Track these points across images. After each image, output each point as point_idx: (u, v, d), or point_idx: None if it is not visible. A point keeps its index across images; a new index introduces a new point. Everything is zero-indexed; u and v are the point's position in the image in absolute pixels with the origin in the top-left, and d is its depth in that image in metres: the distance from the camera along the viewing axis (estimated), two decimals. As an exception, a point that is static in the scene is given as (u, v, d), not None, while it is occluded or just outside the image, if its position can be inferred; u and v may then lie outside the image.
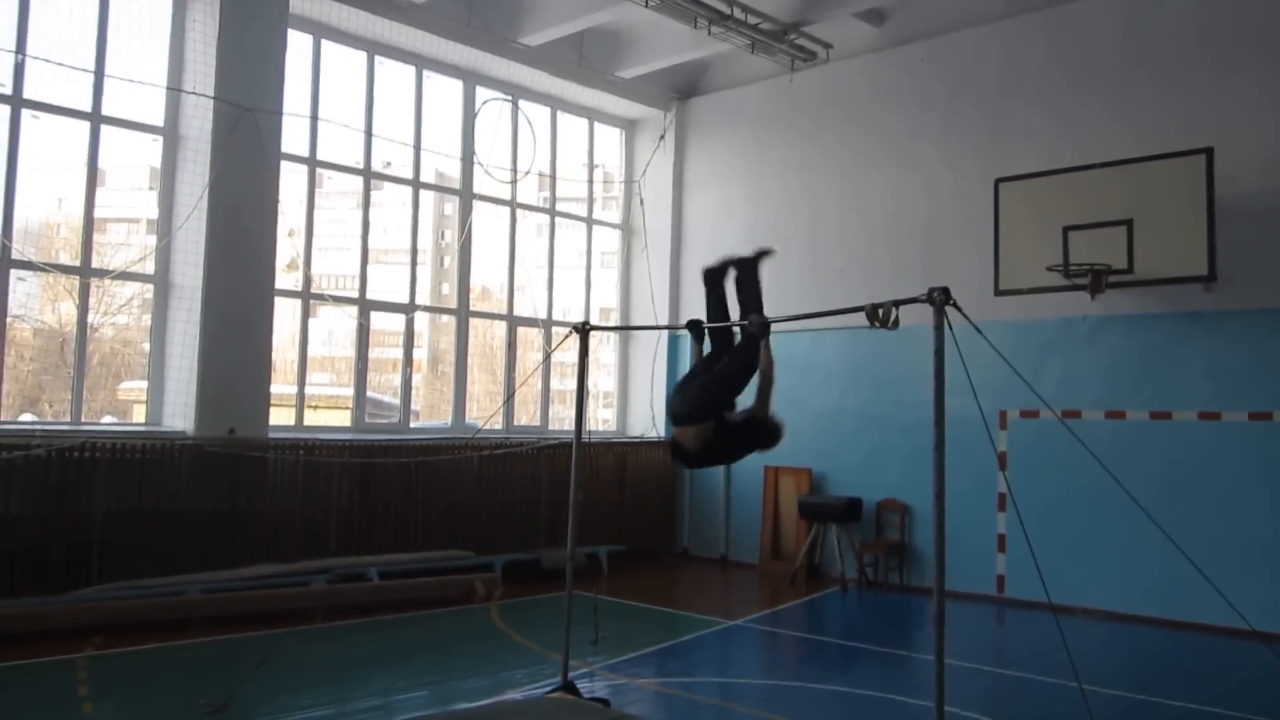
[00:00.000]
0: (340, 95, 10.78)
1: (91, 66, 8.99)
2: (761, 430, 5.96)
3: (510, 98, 12.39)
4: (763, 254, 6.23)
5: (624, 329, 13.71)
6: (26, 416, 9.04)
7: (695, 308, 12.69)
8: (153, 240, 9.48)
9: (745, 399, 6.02)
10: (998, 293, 9.89)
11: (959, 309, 4.54)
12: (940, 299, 4.50)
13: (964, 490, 9.70)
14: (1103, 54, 10.07)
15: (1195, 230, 8.84)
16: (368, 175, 11.00)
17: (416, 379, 11.84)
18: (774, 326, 5.89)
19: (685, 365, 13.21)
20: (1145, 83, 9.79)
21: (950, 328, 4.52)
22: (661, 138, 13.53)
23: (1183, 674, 7.69)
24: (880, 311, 4.77)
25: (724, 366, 5.98)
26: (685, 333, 6.43)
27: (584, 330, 6.63)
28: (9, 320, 8.71)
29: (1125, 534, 9.21)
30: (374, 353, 11.20)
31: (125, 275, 9.34)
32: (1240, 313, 9.10)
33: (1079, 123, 10.12)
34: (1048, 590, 5.65)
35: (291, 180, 10.23)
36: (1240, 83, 9.24)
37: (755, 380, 5.85)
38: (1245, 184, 9.02)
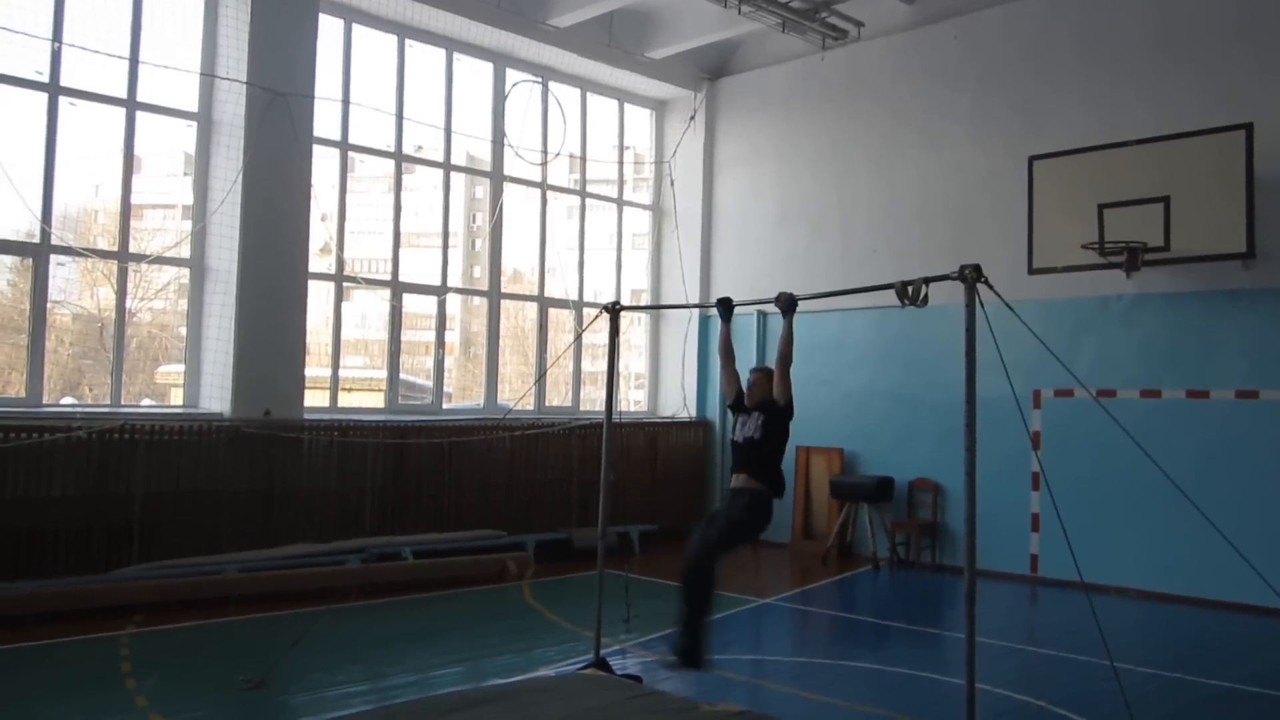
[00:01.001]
0: (371, 79, 10.84)
1: (126, 53, 9.09)
2: (784, 415, 5.96)
3: (540, 79, 12.40)
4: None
5: (654, 308, 13.71)
6: (67, 400, 9.19)
7: (726, 288, 12.75)
8: (188, 225, 9.59)
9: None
10: (1031, 271, 9.82)
11: (990, 286, 4.52)
12: (972, 276, 4.48)
13: (997, 470, 9.65)
14: (1137, 30, 9.93)
15: (1233, 207, 8.72)
16: (399, 159, 11.06)
17: (449, 361, 11.92)
18: (807, 306, 5.89)
19: (716, 346, 13.23)
20: (1180, 59, 9.64)
21: (982, 306, 4.50)
22: (692, 118, 13.48)
23: (1219, 652, 7.64)
24: (910, 289, 4.76)
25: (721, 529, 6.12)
26: (715, 313, 6.43)
27: (614, 310, 6.66)
28: (49, 305, 8.85)
29: (1160, 513, 9.14)
30: (407, 335, 11.28)
31: (161, 260, 9.46)
32: (1279, 290, 8.97)
33: (1113, 100, 9.99)
34: (1079, 569, 5.62)
35: (324, 164, 10.31)
36: (1278, 58, 9.07)
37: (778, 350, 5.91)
38: (1285, 159, 8.88)
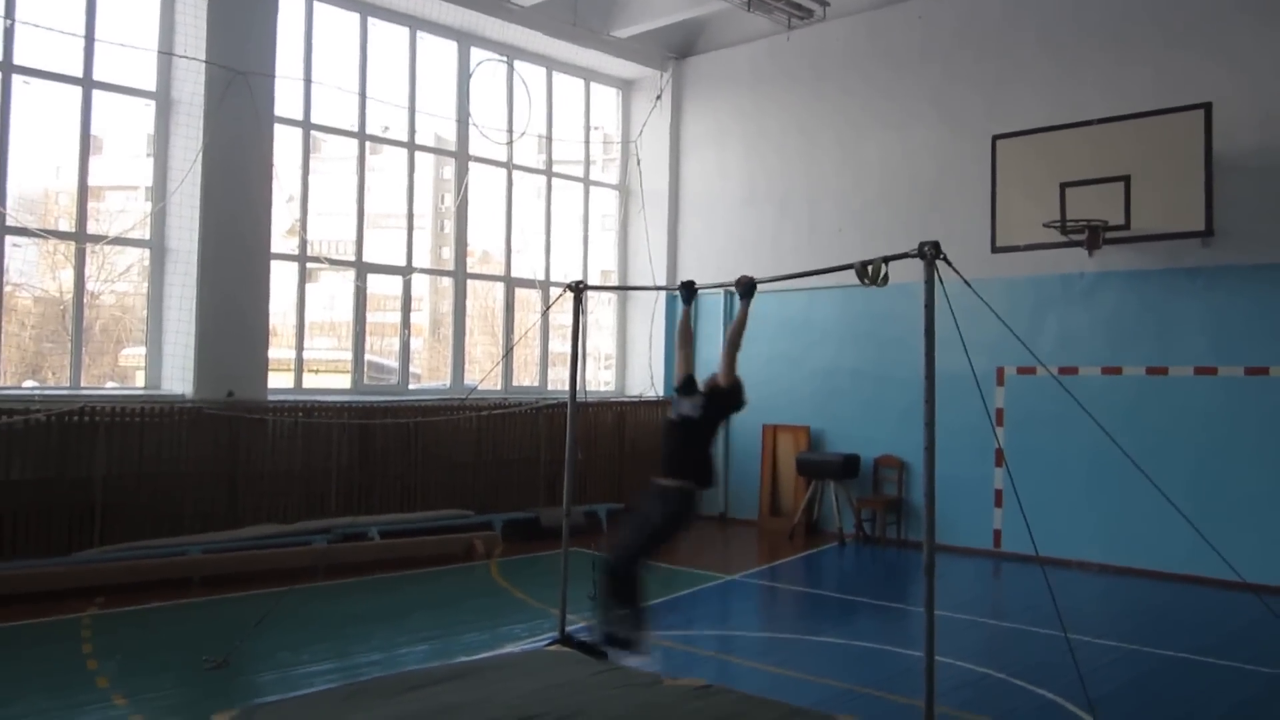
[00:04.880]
0: (334, 58, 10.73)
1: (82, 30, 8.94)
2: (727, 400, 5.98)
3: (505, 59, 12.32)
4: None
5: (619, 289, 13.71)
6: (29, 383, 9.08)
7: (693, 268, 12.78)
8: (149, 207, 9.48)
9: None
10: (995, 250, 9.89)
11: (949, 263, 4.55)
12: (931, 253, 4.51)
13: (961, 446, 9.75)
14: (1102, 10, 9.99)
15: (1193, 186, 8.81)
16: (363, 139, 10.97)
17: (418, 343, 11.88)
18: (773, 285, 5.89)
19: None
20: (1142, 39, 9.72)
21: (942, 283, 4.54)
22: (658, 98, 13.45)
23: (1175, 624, 7.78)
24: (870, 268, 4.78)
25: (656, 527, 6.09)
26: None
27: (578, 289, 6.66)
28: (8, 289, 8.73)
29: (1120, 489, 9.25)
30: (375, 317, 11.22)
31: (120, 241, 9.35)
32: (1237, 268, 9.10)
33: (1075, 80, 10.06)
34: (1036, 544, 5.71)
35: (287, 145, 10.20)
36: (1239, 39, 9.18)
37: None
38: (1243, 140, 8.99)
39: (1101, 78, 9.90)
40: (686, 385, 6.15)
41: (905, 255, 4.65)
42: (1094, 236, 9.25)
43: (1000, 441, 9.97)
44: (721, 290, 12.08)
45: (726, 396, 5.97)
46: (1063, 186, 9.41)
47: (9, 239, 8.65)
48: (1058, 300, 10.10)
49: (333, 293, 11.29)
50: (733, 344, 5.90)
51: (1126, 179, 9.14)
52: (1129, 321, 9.72)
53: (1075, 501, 9.76)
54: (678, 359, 6.37)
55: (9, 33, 8.55)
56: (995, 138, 10.01)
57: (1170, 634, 7.35)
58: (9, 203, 8.60)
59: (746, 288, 5.80)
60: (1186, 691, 6.07)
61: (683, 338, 6.37)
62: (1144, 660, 6.65)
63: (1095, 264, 9.74)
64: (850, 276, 4.90)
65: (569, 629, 6.45)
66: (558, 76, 12.97)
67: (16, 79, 8.64)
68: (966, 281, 4.84)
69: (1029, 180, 9.71)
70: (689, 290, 6.32)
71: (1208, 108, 8.77)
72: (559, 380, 12.87)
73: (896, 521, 11.16)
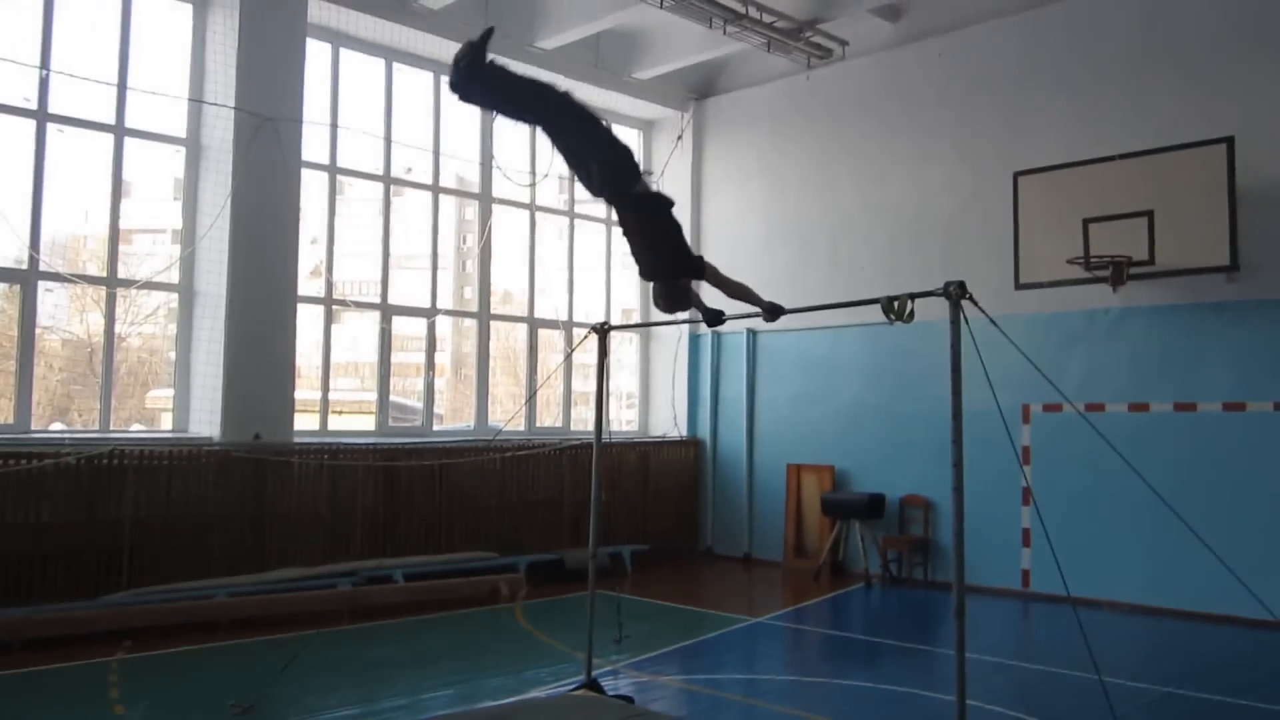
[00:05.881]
0: (359, 102, 10.88)
1: (114, 79, 9.12)
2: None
3: (528, 101, 12.42)
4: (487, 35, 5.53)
5: (642, 326, 13.74)
6: (56, 426, 9.17)
7: (715, 305, 12.76)
8: (177, 250, 9.60)
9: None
10: (1018, 286, 9.87)
11: (975, 302, 4.55)
12: (956, 293, 4.52)
13: (988, 485, 9.69)
14: (1122, 45, 10.02)
15: (1217, 220, 8.78)
16: (388, 181, 11.09)
17: (440, 383, 11.93)
18: (798, 324, 5.82)
19: (706, 365, 13.32)
20: (1165, 73, 9.73)
21: (967, 322, 4.53)
22: (679, 138, 13.56)
23: (1210, 666, 7.65)
24: (895, 304, 4.79)
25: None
26: (706, 331, 6.39)
27: (603, 330, 6.68)
28: (39, 331, 8.84)
29: (1151, 527, 9.15)
30: (398, 358, 11.29)
31: (150, 285, 9.47)
32: (1264, 302, 9.03)
33: (1098, 115, 10.07)
34: (1067, 584, 5.64)
35: (313, 188, 10.33)
36: (1261, 72, 9.17)
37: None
38: (1267, 173, 8.95)
39: (1122, 112, 9.91)
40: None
41: (930, 294, 4.65)
42: (1118, 272, 9.21)
43: (1028, 480, 9.89)
44: (744, 329, 12.15)
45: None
46: (1085, 222, 9.39)
47: (41, 284, 8.77)
48: (1082, 337, 10.05)
49: (355, 334, 11.37)
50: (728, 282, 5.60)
51: (1150, 214, 9.12)
52: (1155, 357, 9.65)
53: (1105, 541, 9.65)
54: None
55: (45, 83, 8.72)
56: (1016, 174, 10.01)
57: (1206, 676, 7.23)
58: (41, 248, 8.73)
59: (772, 309, 5.65)
60: (1224, 735, 5.97)
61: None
62: (1179, 703, 6.53)
63: (1119, 300, 9.69)
64: (874, 314, 4.90)
65: (595, 673, 6.40)
66: (580, 118, 13.06)
67: (51, 127, 8.80)
68: (993, 321, 4.84)
69: (1051, 216, 9.70)
70: (716, 317, 6.10)
71: (1230, 141, 8.76)
72: (582, 420, 12.89)
73: (924, 562, 11.06)
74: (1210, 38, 9.50)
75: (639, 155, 13.76)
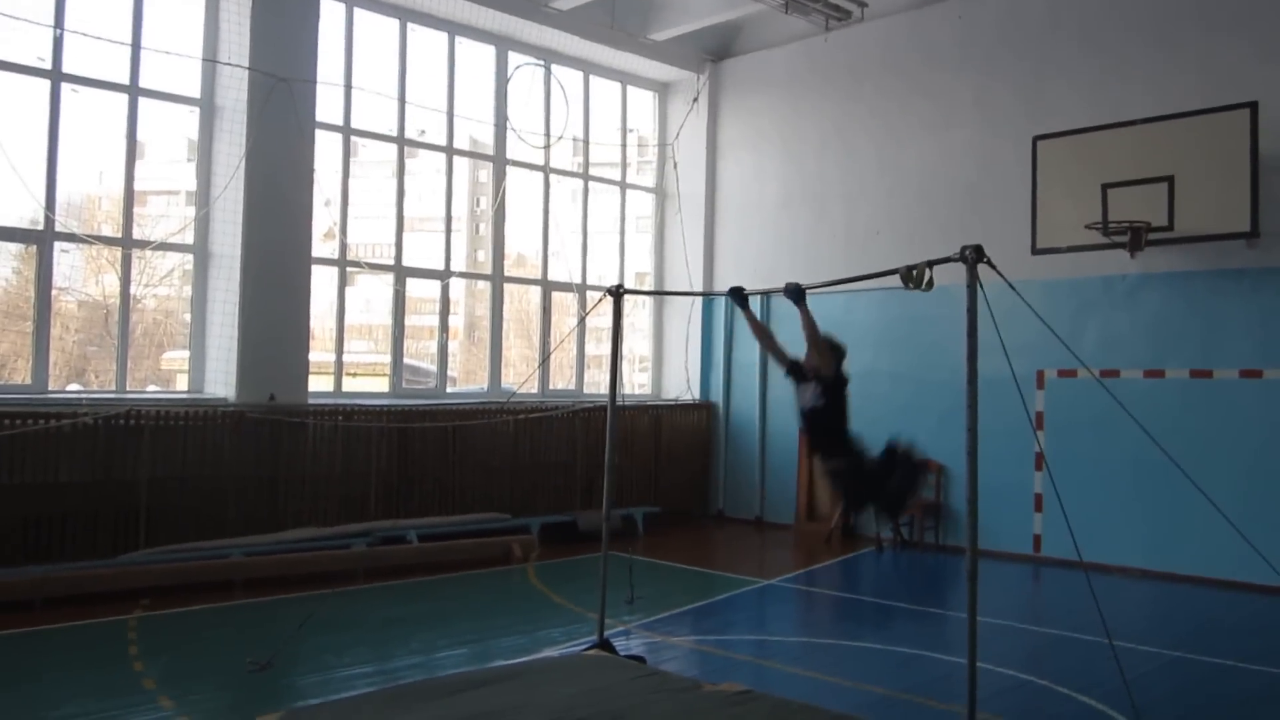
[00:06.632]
0: (374, 63, 10.82)
1: (128, 39, 9.09)
2: (837, 382, 6.04)
3: (543, 62, 12.37)
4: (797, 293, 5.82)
5: (657, 293, 13.71)
6: (73, 387, 9.23)
7: (729, 271, 12.77)
8: (192, 211, 9.61)
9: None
10: (1035, 252, 9.80)
11: (992, 266, 4.51)
12: (973, 257, 4.47)
13: (1000, 450, 9.62)
14: (1144, 7, 9.87)
15: (1238, 186, 8.69)
16: (402, 143, 11.05)
17: (454, 346, 11.95)
18: (808, 283, 5.86)
19: (720, 329, 13.28)
20: (1185, 38, 9.59)
21: (982, 287, 4.50)
22: (695, 100, 13.45)
23: (1221, 631, 7.68)
24: (914, 273, 4.72)
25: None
26: (720, 296, 6.41)
27: (618, 294, 6.66)
28: (54, 293, 8.88)
29: (1164, 493, 9.14)
30: (411, 320, 11.30)
31: (165, 246, 9.49)
32: (1283, 269, 8.96)
33: (1117, 80, 9.95)
34: (1079, 549, 5.63)
35: (327, 149, 10.30)
36: (1283, 36, 9.04)
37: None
38: (1289, 138, 8.85)
39: (1144, 77, 9.78)
40: (794, 371, 6.09)
41: (947, 259, 4.61)
42: (1136, 238, 9.14)
43: (1041, 445, 9.86)
44: (758, 296, 12.09)
45: (835, 381, 5.99)
46: (1104, 187, 9.30)
47: (57, 245, 8.80)
48: (1099, 303, 9.98)
49: (369, 296, 11.39)
50: (812, 341, 5.86)
51: (1170, 179, 9.03)
52: (1172, 324, 9.59)
53: (1117, 506, 9.65)
54: (771, 355, 6.47)
55: (58, 42, 8.70)
56: (1036, 138, 9.92)
57: (1216, 641, 7.25)
58: (57, 209, 8.75)
59: (796, 293, 5.73)
60: (1233, 699, 5.98)
61: (760, 336, 6.58)
62: (1189, 667, 6.56)
63: (1138, 266, 9.62)
64: (888, 279, 4.87)
65: (607, 633, 6.45)
66: (594, 80, 13.00)
67: (65, 87, 8.79)
68: (1011, 285, 4.80)
69: (1070, 181, 9.62)
70: (740, 297, 6.25)
71: (1254, 107, 8.65)
72: (595, 383, 12.91)
73: (935, 526, 11.08)
74: (1231, 3, 9.35)
75: (654, 121, 13.71)
